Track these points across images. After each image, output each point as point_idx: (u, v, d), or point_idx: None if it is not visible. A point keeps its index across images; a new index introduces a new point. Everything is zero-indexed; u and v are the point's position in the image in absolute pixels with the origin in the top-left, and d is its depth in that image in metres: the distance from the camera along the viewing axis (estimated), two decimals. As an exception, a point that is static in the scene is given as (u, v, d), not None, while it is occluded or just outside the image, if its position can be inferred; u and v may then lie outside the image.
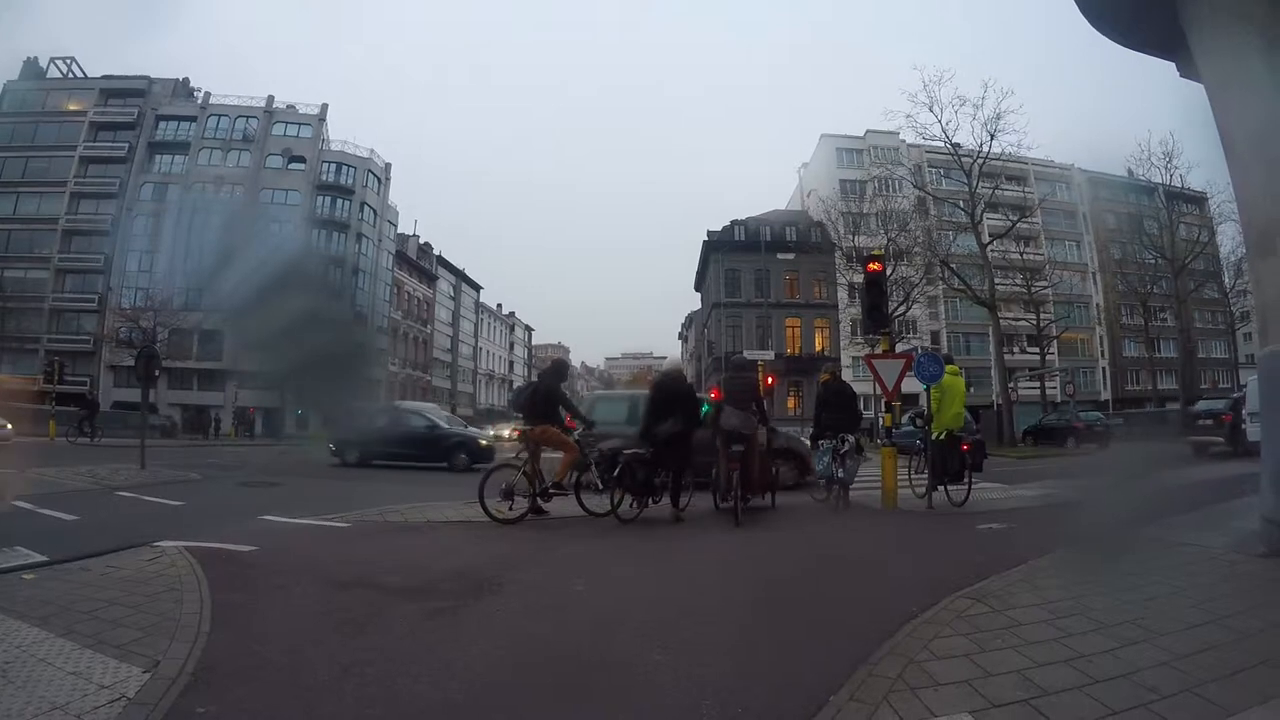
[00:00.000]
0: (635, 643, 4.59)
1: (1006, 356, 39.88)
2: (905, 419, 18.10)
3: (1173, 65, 8.52)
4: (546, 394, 10.35)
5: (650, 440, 10.20)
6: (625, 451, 10.04)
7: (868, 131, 56.96)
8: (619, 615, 5.26)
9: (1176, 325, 52.27)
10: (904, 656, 4.05)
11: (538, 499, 9.85)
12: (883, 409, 18.96)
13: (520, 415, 10.84)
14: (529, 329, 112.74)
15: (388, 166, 66.97)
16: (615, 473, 9.74)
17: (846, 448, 11.22)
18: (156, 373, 17.99)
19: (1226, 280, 48.67)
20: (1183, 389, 41.30)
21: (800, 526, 10.17)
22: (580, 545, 8.38)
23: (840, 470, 11.20)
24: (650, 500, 10.12)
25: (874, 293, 12.34)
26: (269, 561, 6.96)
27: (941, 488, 11.28)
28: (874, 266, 12.52)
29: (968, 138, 35.20)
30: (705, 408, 11.15)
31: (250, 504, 11.28)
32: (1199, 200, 45.27)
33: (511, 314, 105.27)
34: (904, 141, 47.10)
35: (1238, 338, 56.20)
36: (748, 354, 32.56)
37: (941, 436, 11.34)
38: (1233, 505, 9.36)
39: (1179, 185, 41.85)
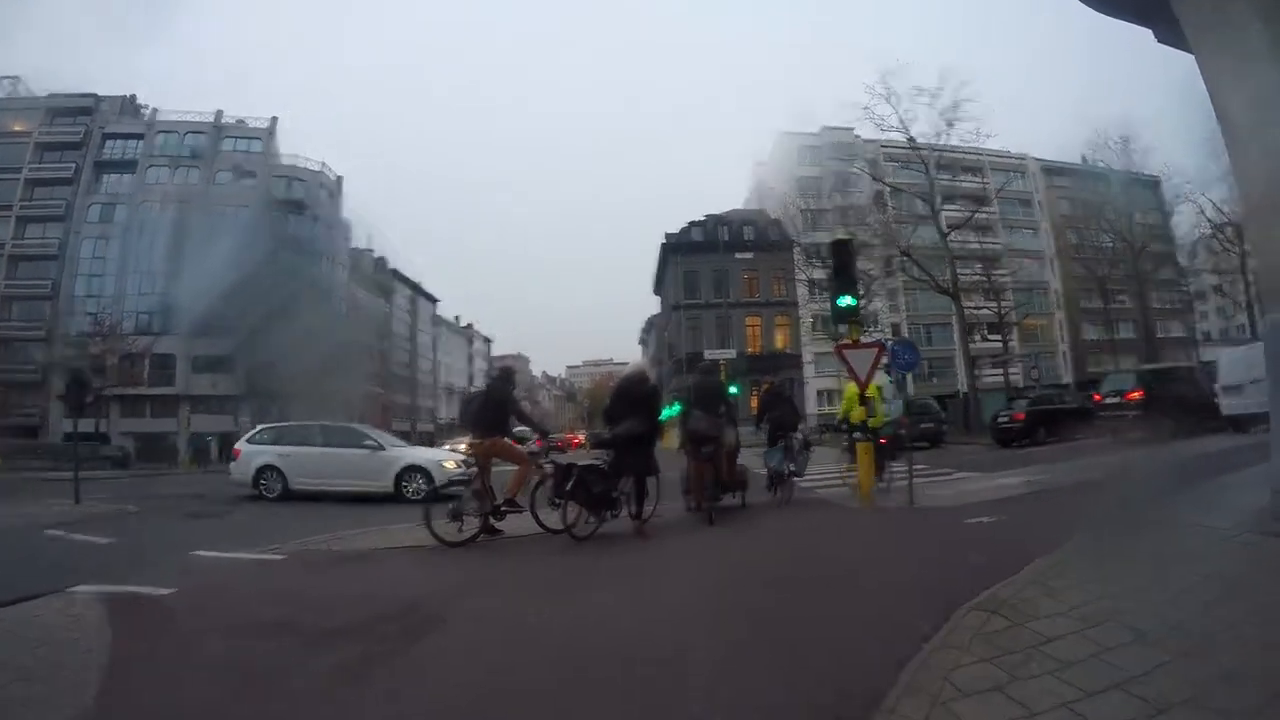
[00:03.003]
0: (593, 692, 3.90)
1: (969, 345, 39.91)
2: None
3: (1147, 33, 8.22)
4: (496, 403, 9.60)
5: (606, 443, 9.58)
6: (579, 463, 9.30)
7: (824, 128, 56.39)
8: (574, 653, 4.57)
9: (1136, 306, 52.97)
10: (926, 694, 3.37)
11: (489, 518, 9.10)
12: (835, 402, 18.23)
13: (468, 428, 10.03)
14: (488, 340, 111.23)
15: (340, 179, 65.63)
16: (568, 486, 8.93)
17: (797, 444, 12.03)
18: (90, 400, 16.86)
19: (1182, 260, 49.63)
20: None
21: (776, 526, 9.74)
22: (534, 567, 7.69)
23: (791, 465, 11.77)
24: (609, 514, 9.28)
25: (841, 254, 11.73)
26: (189, 606, 6.21)
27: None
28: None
29: (926, 127, 35.17)
30: (669, 411, 10.55)
31: (186, 538, 10.34)
32: (1153, 184, 45.91)
33: (469, 325, 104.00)
34: (859, 137, 46.79)
35: (1194, 316, 56.21)
36: (708, 354, 32.03)
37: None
38: (1227, 480, 9.21)
39: (1134, 170, 42.01)
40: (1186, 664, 3.40)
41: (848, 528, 9.62)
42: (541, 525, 9.20)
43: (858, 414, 11.88)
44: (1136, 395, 21.19)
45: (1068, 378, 60.46)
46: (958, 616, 4.44)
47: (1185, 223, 45.65)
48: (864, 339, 11.80)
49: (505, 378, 10.38)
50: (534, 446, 12.17)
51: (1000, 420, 26.11)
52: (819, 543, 8.66)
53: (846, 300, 11.03)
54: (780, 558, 7.81)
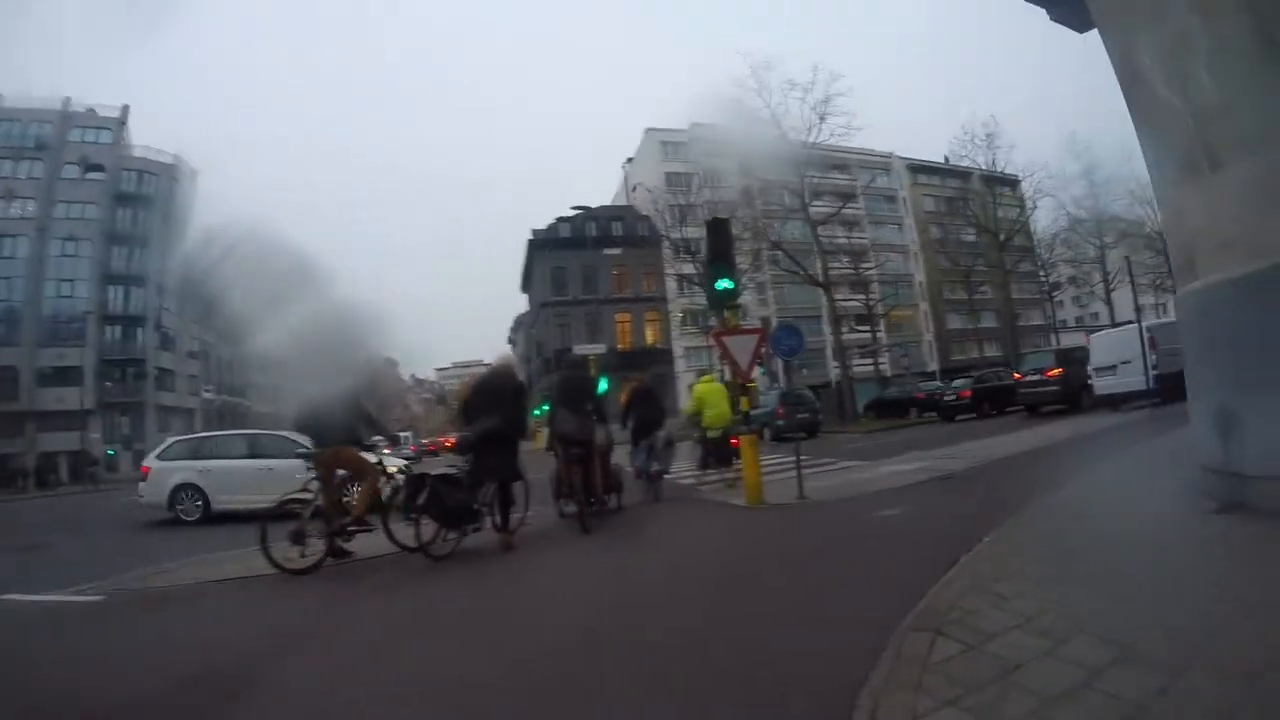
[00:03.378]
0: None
1: (840, 336, 40.55)
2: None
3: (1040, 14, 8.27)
4: (342, 407, 8.42)
5: (464, 446, 8.60)
6: (431, 472, 8.31)
7: (692, 124, 56.50)
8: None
9: (1000, 296, 55.23)
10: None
11: (335, 539, 8.01)
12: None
13: (309, 435, 8.64)
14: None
15: (195, 173, 61.81)
16: (420, 499, 7.90)
17: (660, 442, 11.93)
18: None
19: (1042, 253, 52.20)
20: (1011, 354, 42.94)
21: (659, 531, 8.96)
22: (384, 598, 6.58)
23: (656, 463, 11.79)
24: (470, 528, 8.28)
25: (719, 237, 10.69)
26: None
27: (716, 473, 12.91)
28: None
29: (797, 121, 35.23)
30: (538, 410, 9.71)
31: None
32: (1013, 182, 47.79)
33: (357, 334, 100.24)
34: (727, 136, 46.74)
35: (1053, 305, 58.72)
36: (578, 349, 30.99)
37: (712, 434, 12.74)
38: (1132, 458, 9.36)
39: (995, 169, 43.77)
40: (1196, 683, 2.71)
41: (741, 530, 8.71)
42: (396, 543, 8.19)
43: (712, 415, 12.68)
44: (1055, 372, 22.22)
45: (933, 365, 62.77)
46: (897, 640, 3.60)
47: (1044, 217, 47.64)
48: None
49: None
50: (408, 451, 11.08)
51: (947, 397, 28.83)
52: (711, 550, 7.63)
53: (724, 283, 10.15)
54: (668, 572, 6.64)
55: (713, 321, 42.19)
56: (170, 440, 16.04)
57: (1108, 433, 14.14)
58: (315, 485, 8.17)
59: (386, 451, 10.77)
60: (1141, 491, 6.88)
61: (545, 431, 10.11)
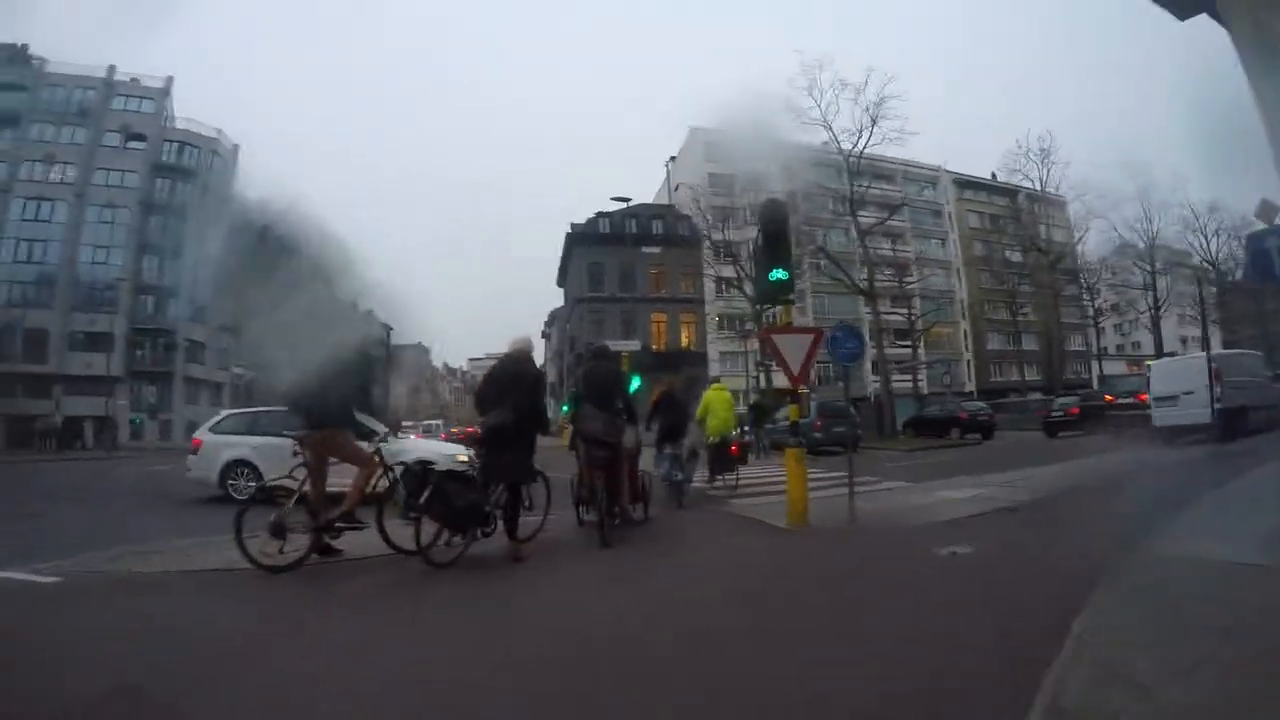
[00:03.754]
0: None
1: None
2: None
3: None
4: (334, 384, 7.39)
5: (477, 440, 7.74)
6: (436, 466, 7.40)
7: (729, 122, 55.49)
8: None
9: (1042, 319, 54.15)
10: None
11: (322, 535, 7.08)
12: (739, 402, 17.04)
13: (297, 414, 7.64)
14: (387, 328, 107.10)
15: (236, 148, 61.72)
16: (422, 497, 6.95)
17: (686, 450, 12.08)
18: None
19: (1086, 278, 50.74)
20: (1050, 379, 41.72)
21: (689, 552, 7.79)
22: (359, 610, 5.62)
23: (680, 473, 11.67)
24: (479, 532, 7.34)
25: (774, 220, 9.48)
26: None
27: (720, 479, 13.36)
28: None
29: (848, 122, 34.46)
30: (566, 406, 8.79)
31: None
32: (1060, 204, 46.04)
33: (369, 311, 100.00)
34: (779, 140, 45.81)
35: (1097, 331, 57.22)
36: (611, 345, 29.80)
37: (715, 440, 13.16)
38: (1215, 499, 8.55)
39: (1039, 189, 42.51)
40: None
41: (783, 559, 7.46)
42: (391, 545, 7.26)
43: (714, 423, 13.19)
44: (1143, 397, 21.23)
45: (970, 385, 61.51)
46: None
47: (1093, 239, 46.41)
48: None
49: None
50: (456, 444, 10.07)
51: (1054, 414, 29.80)
52: (747, 585, 6.20)
53: (779, 273, 8.87)
54: (693, 609, 5.38)
55: (750, 326, 41.61)
56: (224, 413, 14.81)
57: (1172, 470, 13.19)
58: (302, 472, 7.28)
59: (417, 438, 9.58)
60: (1216, 540, 6.04)
61: (571, 429, 9.06)
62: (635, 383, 22.97)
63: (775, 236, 9.21)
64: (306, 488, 7.06)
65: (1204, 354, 18.64)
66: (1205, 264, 49.68)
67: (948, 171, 67.11)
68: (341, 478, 7.35)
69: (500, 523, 7.41)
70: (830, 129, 33.73)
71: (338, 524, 7.15)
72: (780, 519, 8.86)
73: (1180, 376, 18.36)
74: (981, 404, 35.14)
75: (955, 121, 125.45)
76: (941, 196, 68.37)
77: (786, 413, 26.12)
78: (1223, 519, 7.43)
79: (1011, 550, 7.09)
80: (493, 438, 7.35)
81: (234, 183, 59.78)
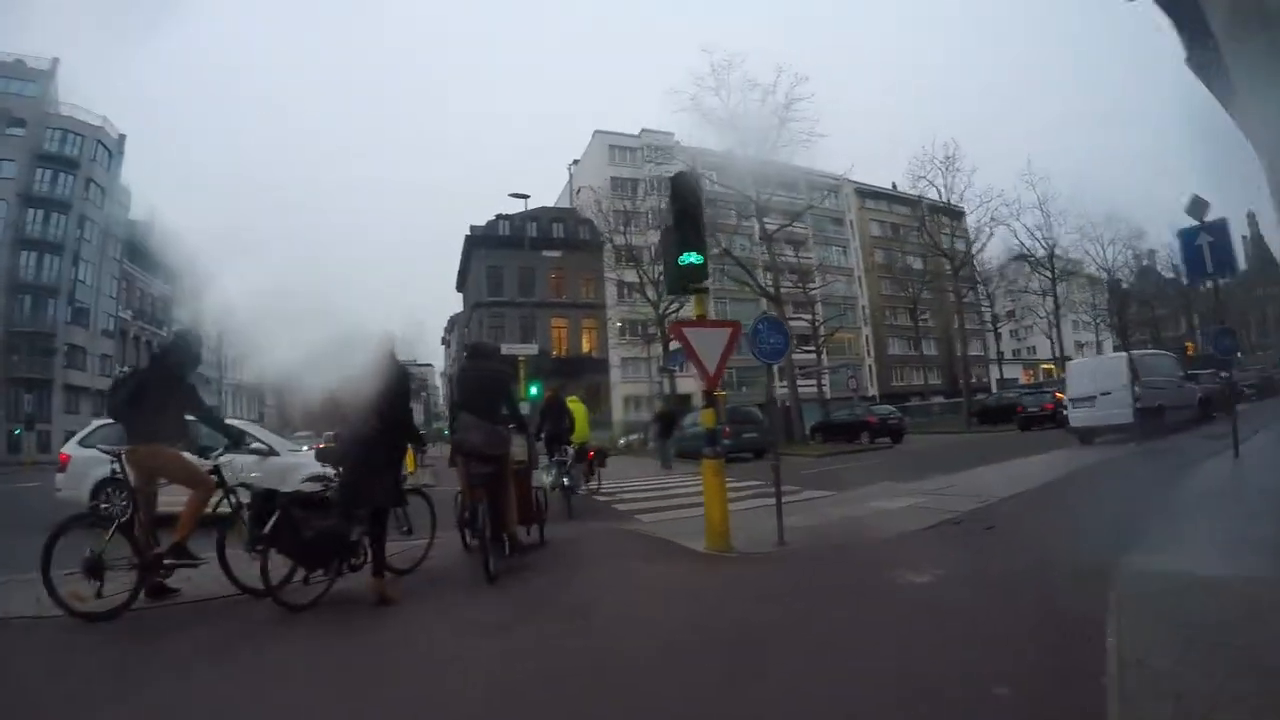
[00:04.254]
0: None
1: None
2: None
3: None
4: (158, 388, 6.16)
5: (327, 456, 6.46)
6: (283, 489, 6.07)
7: (643, 130, 55.53)
8: None
9: (940, 324, 55.24)
10: None
11: (149, 572, 5.72)
12: (641, 409, 16.26)
13: (120, 424, 6.35)
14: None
15: (122, 139, 58.46)
16: (267, 527, 5.67)
17: (571, 457, 12.30)
18: None
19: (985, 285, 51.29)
20: (964, 384, 41.94)
21: (591, 588, 6.35)
22: (191, 677, 4.25)
23: (567, 479, 11.93)
24: (345, 565, 6.08)
25: (685, 196, 7.90)
26: None
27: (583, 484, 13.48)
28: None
29: (756, 123, 33.31)
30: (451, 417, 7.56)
31: None
32: (959, 214, 46.77)
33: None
34: (678, 142, 45.18)
35: (996, 336, 58.27)
36: (506, 348, 27.27)
37: (575, 447, 12.81)
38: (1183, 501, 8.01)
39: (943, 196, 43.25)
40: None
41: (705, 596, 5.98)
42: (236, 583, 6.01)
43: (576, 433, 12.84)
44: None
45: (873, 389, 62.21)
46: None
47: (996, 246, 47.00)
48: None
49: (178, 348, 6.63)
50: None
51: (1030, 408, 30.20)
52: (667, 632, 4.83)
53: (691, 257, 7.53)
54: (595, 675, 4.03)
55: (653, 330, 40.71)
56: (95, 424, 12.61)
57: (1109, 466, 12.82)
58: (122, 497, 6.01)
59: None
60: (1217, 554, 5.39)
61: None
62: (534, 390, 21.54)
63: (686, 214, 7.80)
64: (130, 514, 5.76)
65: (1122, 354, 18.38)
66: (1101, 270, 51.10)
67: (850, 180, 67.14)
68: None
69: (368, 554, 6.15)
70: (737, 129, 32.85)
71: (166, 560, 5.85)
72: (697, 540, 7.68)
73: (1098, 377, 18.11)
74: (890, 408, 34.96)
75: (857, 131, 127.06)
76: (844, 204, 68.66)
77: (695, 419, 24.94)
78: (1205, 527, 6.70)
79: (976, 575, 5.95)
80: (350, 453, 6.09)
81: (120, 176, 57.24)
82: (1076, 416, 18.55)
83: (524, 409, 15.86)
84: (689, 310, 40.19)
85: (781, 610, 5.25)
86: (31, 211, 52.32)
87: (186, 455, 6.32)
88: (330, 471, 6.31)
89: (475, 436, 6.85)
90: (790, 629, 4.76)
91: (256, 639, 4.99)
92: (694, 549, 7.53)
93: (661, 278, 39.32)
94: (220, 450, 6.63)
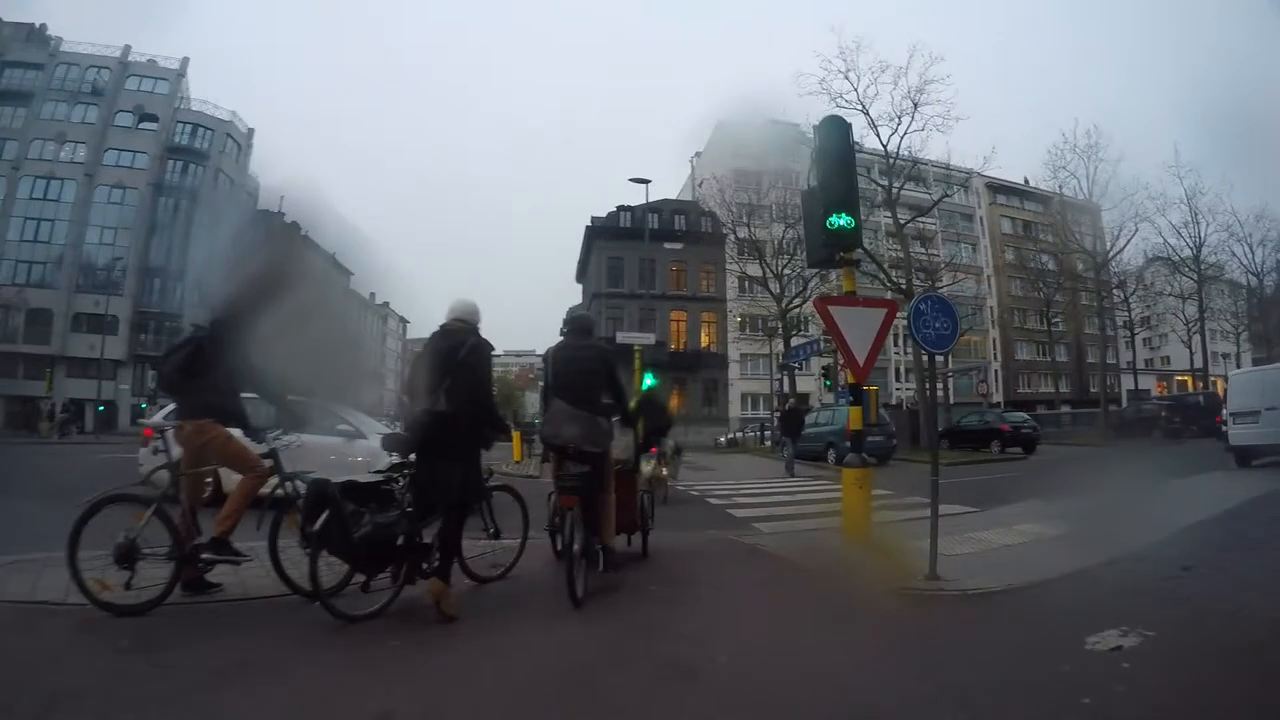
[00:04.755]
0: None
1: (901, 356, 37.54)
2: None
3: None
4: (213, 357, 5.33)
5: (395, 441, 5.41)
6: (337, 480, 5.00)
7: (767, 121, 53.84)
8: None
9: (1071, 328, 52.79)
10: None
11: (187, 564, 5.00)
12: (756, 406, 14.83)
13: (169, 396, 5.86)
14: (404, 321, 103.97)
15: (250, 132, 60.53)
16: (317, 524, 4.71)
17: (669, 449, 11.71)
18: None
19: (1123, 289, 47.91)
20: (1103, 392, 39.43)
21: (701, 616, 5.21)
22: (193, 709, 3.33)
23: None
24: (413, 571, 5.09)
25: (837, 143, 6.61)
26: None
27: None
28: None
29: (887, 107, 32.38)
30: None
31: None
32: (1095, 211, 44.25)
33: (385, 304, 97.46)
34: (803, 132, 43.87)
35: (1134, 344, 54.78)
36: (622, 336, 25.56)
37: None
38: None
39: (1086, 186, 41.31)
40: None
41: (846, 642, 4.67)
42: (288, 582, 5.16)
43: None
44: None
45: (997, 395, 59.49)
46: None
47: (1139, 244, 43.69)
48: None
49: (239, 307, 5.60)
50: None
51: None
52: (803, 684, 3.80)
53: (842, 218, 6.22)
54: None
55: (774, 324, 39.18)
56: None
57: None
58: (163, 476, 5.23)
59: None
60: None
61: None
62: (649, 380, 20.31)
63: (837, 166, 6.46)
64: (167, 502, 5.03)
65: (1292, 365, 16.19)
66: (1250, 275, 46.80)
67: (980, 175, 64.51)
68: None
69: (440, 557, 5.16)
70: (868, 114, 31.21)
71: (205, 555, 5.07)
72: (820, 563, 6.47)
73: (1266, 390, 15.91)
74: (1024, 415, 32.77)
75: (987, 123, 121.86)
76: (974, 200, 66.29)
77: (816, 418, 23.27)
78: None
79: (1199, 639, 4.46)
80: (422, 441, 5.13)
81: (248, 167, 59.18)
82: (1237, 434, 16.41)
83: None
84: (807, 308, 38.57)
85: (937, 669, 4.00)
86: (163, 199, 54.39)
87: (239, 435, 5.51)
88: (399, 460, 5.31)
89: (570, 429, 5.79)
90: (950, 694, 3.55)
91: (280, 660, 4.07)
92: (829, 573, 6.30)
93: (785, 271, 38.28)
94: (279, 432, 5.80)
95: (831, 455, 21.21)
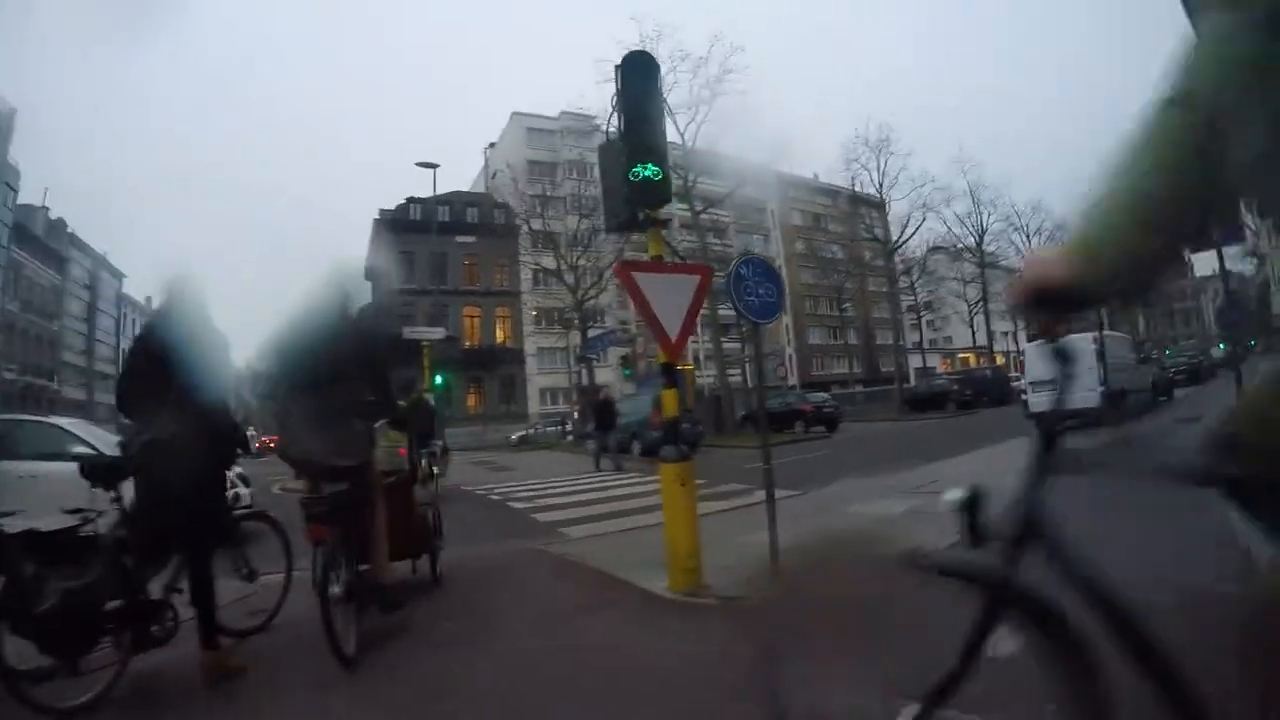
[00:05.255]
0: None
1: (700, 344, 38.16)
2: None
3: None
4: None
5: (99, 470, 4.06)
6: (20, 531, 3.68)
7: (562, 112, 53.04)
8: None
9: (860, 314, 54.98)
10: None
11: None
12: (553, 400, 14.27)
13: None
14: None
15: (12, 112, 53.25)
16: None
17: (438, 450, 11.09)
18: None
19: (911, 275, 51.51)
20: (898, 370, 41.98)
21: (501, 662, 4.13)
22: None
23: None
24: (143, 639, 3.89)
25: (639, 81, 5.55)
26: None
27: None
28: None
29: (685, 95, 32.57)
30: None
31: None
32: (880, 205, 46.48)
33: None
34: (598, 125, 43.49)
35: (921, 325, 58.49)
36: (409, 332, 23.39)
37: None
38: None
39: (878, 179, 43.50)
40: None
41: (686, 684, 3.60)
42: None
43: None
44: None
45: (793, 379, 61.29)
46: None
47: (925, 233, 46.75)
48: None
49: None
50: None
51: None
52: None
53: (648, 168, 5.20)
54: None
55: (571, 316, 38.50)
56: None
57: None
58: None
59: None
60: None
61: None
62: (439, 380, 18.89)
63: (640, 106, 5.43)
64: None
65: (1088, 334, 16.85)
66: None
67: (773, 169, 66.82)
68: None
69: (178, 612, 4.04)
70: (666, 103, 30.81)
71: None
72: (653, 573, 5.45)
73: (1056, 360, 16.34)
74: (824, 395, 33.64)
75: (779, 120, 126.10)
76: (767, 194, 67.49)
77: (629, 408, 22.21)
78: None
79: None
80: (146, 466, 3.92)
81: (7, 154, 52.67)
82: (1035, 401, 16.74)
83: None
84: (608, 296, 38.14)
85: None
86: None
87: None
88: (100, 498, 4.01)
89: (317, 441, 4.38)
90: None
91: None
92: (652, 590, 5.26)
93: (580, 263, 37.66)
94: None
95: (637, 446, 20.63)
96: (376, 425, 5.01)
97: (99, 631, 3.69)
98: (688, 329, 5.22)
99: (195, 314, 4.11)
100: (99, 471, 4.03)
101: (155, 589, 3.95)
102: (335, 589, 4.05)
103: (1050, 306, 1.49)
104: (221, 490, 4.25)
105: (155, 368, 3.95)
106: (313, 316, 4.57)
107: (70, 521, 3.81)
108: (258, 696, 3.79)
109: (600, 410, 20.56)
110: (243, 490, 9.45)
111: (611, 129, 5.89)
